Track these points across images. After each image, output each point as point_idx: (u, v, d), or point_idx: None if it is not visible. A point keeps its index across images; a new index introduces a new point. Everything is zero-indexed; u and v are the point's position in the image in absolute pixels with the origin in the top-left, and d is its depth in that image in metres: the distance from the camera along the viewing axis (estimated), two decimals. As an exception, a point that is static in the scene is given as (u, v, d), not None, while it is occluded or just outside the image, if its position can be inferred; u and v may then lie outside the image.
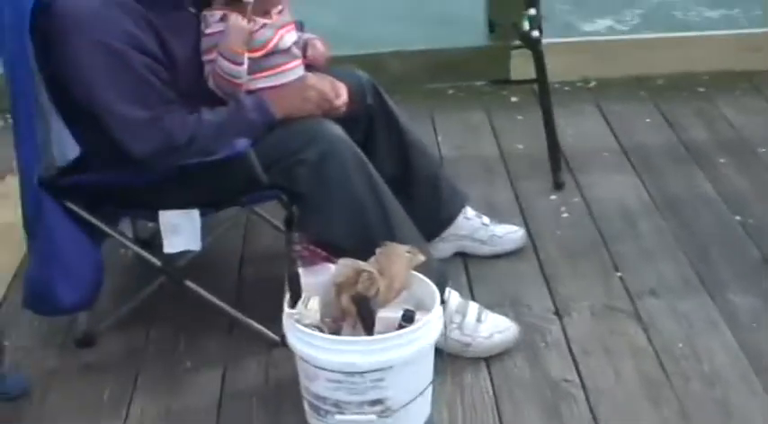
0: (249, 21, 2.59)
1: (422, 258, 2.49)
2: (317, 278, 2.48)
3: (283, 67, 2.67)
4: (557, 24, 4.75)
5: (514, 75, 4.21)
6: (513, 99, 4.17)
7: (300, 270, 2.45)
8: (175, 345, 2.80)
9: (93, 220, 2.65)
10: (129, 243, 2.78)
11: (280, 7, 2.74)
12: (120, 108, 2.47)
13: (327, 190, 2.56)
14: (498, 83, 4.29)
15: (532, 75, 3.74)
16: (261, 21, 2.64)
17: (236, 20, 2.59)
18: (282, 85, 2.64)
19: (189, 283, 2.75)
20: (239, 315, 2.77)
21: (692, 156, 3.68)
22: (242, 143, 2.46)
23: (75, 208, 2.64)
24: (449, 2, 4.67)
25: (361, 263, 2.44)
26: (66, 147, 2.66)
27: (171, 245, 2.60)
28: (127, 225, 3.04)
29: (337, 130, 2.60)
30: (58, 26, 2.47)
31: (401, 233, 2.60)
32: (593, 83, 4.29)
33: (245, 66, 2.59)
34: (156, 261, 2.73)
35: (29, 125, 2.55)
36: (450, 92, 4.30)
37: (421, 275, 2.49)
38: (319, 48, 2.79)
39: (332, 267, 2.49)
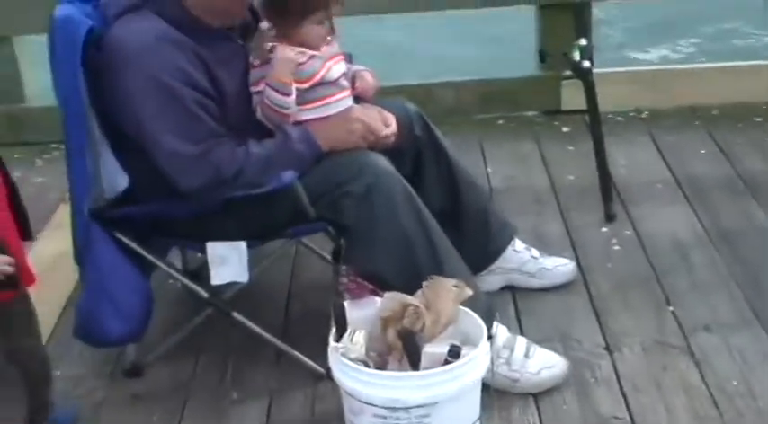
0: (296, 52, 2.60)
1: (469, 292, 2.47)
2: (363, 312, 2.47)
3: (330, 99, 2.67)
4: (610, 54, 4.74)
5: (565, 106, 4.19)
6: (565, 129, 4.13)
7: (346, 304, 2.45)
8: (222, 376, 2.80)
9: (142, 251, 2.67)
10: (177, 274, 2.79)
11: (329, 38, 2.75)
12: (170, 142, 2.49)
13: (374, 223, 2.55)
14: (549, 113, 4.27)
15: (583, 105, 3.72)
16: (308, 52, 2.65)
17: (284, 51, 2.60)
18: (329, 117, 2.64)
19: (236, 315, 2.75)
20: (285, 347, 2.77)
21: (747, 188, 3.61)
22: (288, 175, 2.47)
23: (125, 239, 2.65)
24: (500, 32, 4.67)
25: (408, 297, 2.43)
26: (116, 179, 2.66)
27: (218, 277, 2.61)
28: (176, 256, 3.07)
29: (384, 163, 2.59)
30: (111, 60, 2.51)
31: (449, 266, 2.58)
32: (646, 114, 4.24)
33: (293, 97, 2.60)
34: (204, 293, 2.73)
35: (80, 156, 2.58)
36: (501, 122, 4.28)
37: (468, 309, 2.47)
38: (368, 80, 2.79)
39: (378, 300, 2.47)
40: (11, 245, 2.29)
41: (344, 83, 2.74)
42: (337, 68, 2.72)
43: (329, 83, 2.68)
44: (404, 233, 2.56)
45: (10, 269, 2.26)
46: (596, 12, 4.23)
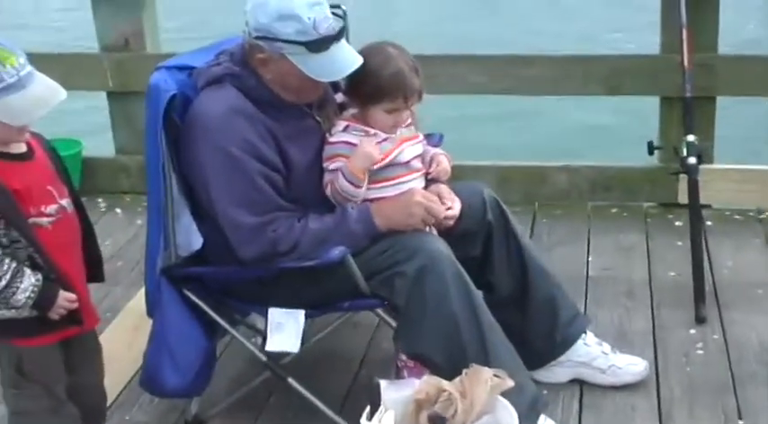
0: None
1: (510, 383, 2.46)
2: (401, 393, 2.49)
3: (399, 179, 2.74)
4: (738, 149, 4.62)
5: (682, 199, 4.10)
6: (678, 223, 4.04)
7: (383, 383, 2.48)
8: (278, 437, 2.87)
9: (205, 307, 2.77)
10: (237, 335, 2.88)
11: (408, 121, 2.81)
12: (232, 211, 2.60)
13: (424, 304, 2.58)
14: (665, 205, 4.19)
15: (704, 199, 3.64)
16: (382, 135, 2.72)
17: (369, 145, 2.67)
18: (392, 197, 2.70)
19: (291, 380, 2.81)
20: (336, 418, 2.81)
21: None
22: (336, 251, 2.53)
23: (192, 297, 2.77)
24: (623, 121, 4.62)
25: (445, 382, 2.44)
26: (191, 239, 2.78)
27: (272, 343, 2.69)
28: (260, 318, 3.17)
29: (439, 245, 2.63)
30: (189, 128, 2.66)
31: (495, 354, 2.59)
32: (765, 215, 4.10)
33: (363, 190, 2.67)
34: (262, 356, 2.82)
35: (157, 213, 2.74)
36: (614, 210, 4.22)
37: (506, 401, 2.46)
38: (443, 164, 2.83)
39: (417, 382, 2.49)
40: (76, 285, 2.44)
41: (416, 164, 2.79)
42: (411, 150, 2.78)
43: (400, 164, 2.75)
44: (452, 317, 2.58)
45: (73, 306, 2.41)
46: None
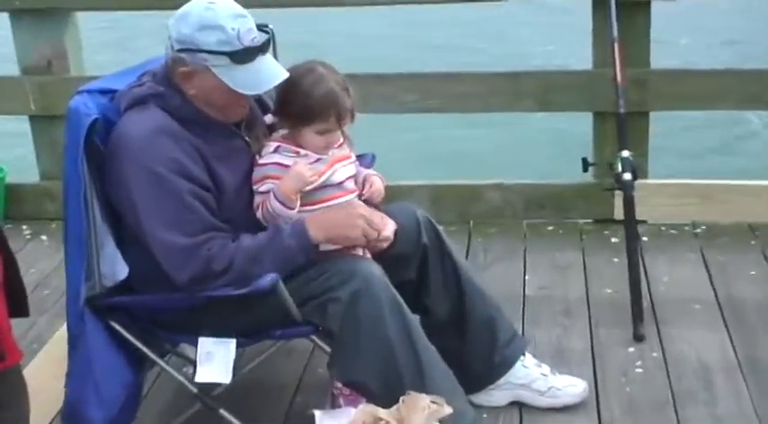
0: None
1: (447, 410, 2.41)
2: (337, 422, 2.43)
3: (332, 200, 2.67)
4: (672, 164, 4.63)
5: (617, 215, 4.07)
6: (614, 239, 4.02)
7: (318, 413, 2.41)
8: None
9: (131, 338, 2.68)
10: (165, 366, 2.78)
11: (340, 141, 2.75)
12: (162, 233, 2.51)
13: (358, 330, 2.52)
14: (600, 222, 4.16)
15: (639, 215, 3.62)
16: (314, 155, 2.66)
17: (301, 167, 2.60)
18: (330, 209, 2.63)
19: (224, 412, 2.73)
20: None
21: (793, 316, 3.44)
22: (267, 278, 2.45)
23: (118, 327, 2.67)
24: (557, 138, 4.61)
25: (381, 411, 2.38)
26: (116, 268, 2.69)
27: (202, 374, 2.60)
28: (192, 347, 3.07)
29: (373, 269, 2.56)
30: (112, 150, 2.57)
31: (432, 380, 2.53)
32: (701, 229, 4.10)
33: (296, 211, 2.60)
34: (192, 388, 2.72)
35: (77, 241, 2.64)
36: (550, 228, 4.19)
37: (445, 428, 2.40)
38: (376, 186, 2.78)
39: (352, 411, 2.43)
40: None
41: (350, 185, 2.73)
42: (344, 171, 2.72)
43: (332, 185, 2.68)
44: (387, 342, 2.52)
45: None
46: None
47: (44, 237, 4.27)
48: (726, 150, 5.96)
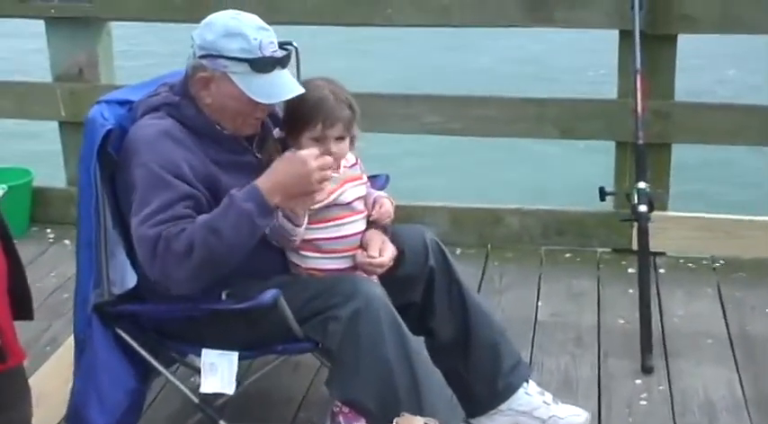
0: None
1: (442, 432, 2.41)
2: (331, 440, 2.44)
3: (340, 220, 2.70)
4: (696, 198, 4.59)
5: (635, 246, 4.06)
6: (630, 270, 4.00)
7: (312, 429, 2.42)
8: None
9: (135, 346, 2.71)
10: (168, 376, 2.81)
11: (354, 161, 2.78)
12: (140, 227, 2.49)
13: (357, 349, 2.53)
14: (618, 251, 4.16)
15: (656, 247, 3.60)
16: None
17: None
18: (277, 166, 2.54)
19: (223, 423, 2.75)
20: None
21: (807, 358, 3.41)
22: (269, 294, 2.47)
23: (124, 335, 2.71)
24: (580, 166, 4.61)
25: (375, 431, 2.39)
26: (125, 276, 2.73)
27: (206, 385, 2.62)
28: (198, 358, 3.09)
29: (375, 289, 2.58)
30: (122, 158, 2.61)
31: (429, 402, 2.53)
32: (719, 263, 4.08)
33: (303, 229, 2.63)
34: (194, 398, 2.75)
35: (88, 248, 2.68)
36: (567, 255, 4.19)
37: (438, 451, 2.40)
38: (386, 208, 2.79)
39: (349, 430, 2.44)
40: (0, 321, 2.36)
41: (358, 206, 2.75)
42: (354, 191, 2.74)
43: (341, 204, 2.71)
44: (386, 362, 2.53)
45: None
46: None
47: (67, 241, 4.32)
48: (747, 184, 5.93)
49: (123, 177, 2.60)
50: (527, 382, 2.97)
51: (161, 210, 2.48)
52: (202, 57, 2.58)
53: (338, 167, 2.69)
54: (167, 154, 2.53)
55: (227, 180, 2.59)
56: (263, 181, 2.51)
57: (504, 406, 2.94)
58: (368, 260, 2.67)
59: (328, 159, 2.53)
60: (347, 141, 2.69)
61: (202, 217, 2.49)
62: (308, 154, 2.50)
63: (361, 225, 2.75)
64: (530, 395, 2.95)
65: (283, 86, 2.59)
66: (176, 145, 2.55)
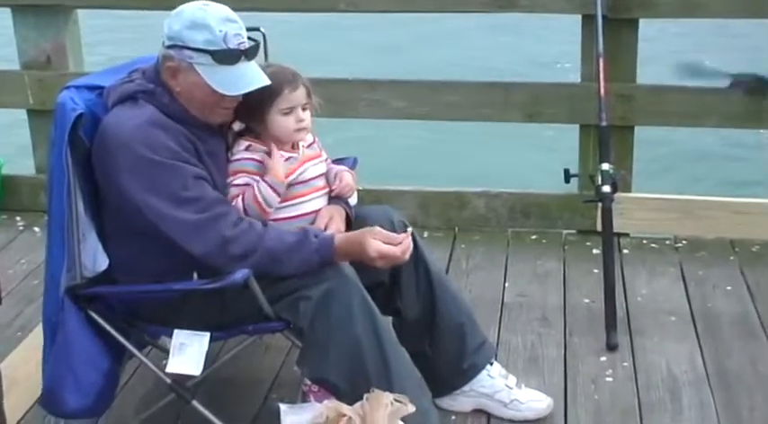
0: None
1: (411, 408, 2.47)
2: (302, 417, 2.49)
3: (300, 199, 2.76)
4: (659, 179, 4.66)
5: (600, 227, 4.12)
6: (595, 251, 4.07)
7: (284, 407, 2.47)
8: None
9: (108, 327, 2.74)
10: (140, 356, 2.84)
11: (311, 140, 2.83)
12: (172, 213, 2.56)
13: (327, 328, 2.58)
14: (583, 233, 4.22)
15: (620, 228, 3.66)
16: (286, 154, 2.73)
17: (281, 155, 2.71)
18: (351, 237, 2.67)
19: (196, 403, 2.79)
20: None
21: (764, 332, 3.48)
22: (239, 274, 2.51)
23: (96, 317, 2.74)
24: (544, 148, 4.67)
25: (345, 407, 2.44)
26: (97, 259, 2.76)
27: (173, 365, 2.66)
28: (169, 340, 3.13)
29: (346, 270, 2.63)
30: (104, 144, 2.63)
31: (398, 380, 2.59)
32: (683, 243, 4.16)
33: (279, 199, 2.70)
34: (167, 378, 2.78)
35: (59, 231, 2.69)
36: (533, 237, 4.25)
37: (406, 426, 2.46)
38: (346, 181, 2.84)
39: (317, 406, 2.49)
40: None
41: (319, 183, 2.81)
42: (314, 169, 2.81)
43: (303, 182, 2.76)
44: (356, 341, 2.57)
45: None
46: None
47: (37, 229, 4.33)
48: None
49: (108, 165, 2.61)
50: (491, 363, 3.01)
51: (187, 195, 2.55)
52: (170, 47, 2.61)
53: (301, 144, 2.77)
54: (163, 143, 2.57)
55: (212, 167, 2.65)
56: (342, 246, 2.62)
57: (467, 387, 2.99)
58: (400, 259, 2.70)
59: (394, 254, 2.64)
60: (308, 112, 2.75)
61: (271, 242, 2.58)
62: (377, 249, 2.62)
63: (322, 202, 2.81)
64: (492, 378, 3.00)
65: (248, 78, 2.63)
66: (165, 132, 2.59)
